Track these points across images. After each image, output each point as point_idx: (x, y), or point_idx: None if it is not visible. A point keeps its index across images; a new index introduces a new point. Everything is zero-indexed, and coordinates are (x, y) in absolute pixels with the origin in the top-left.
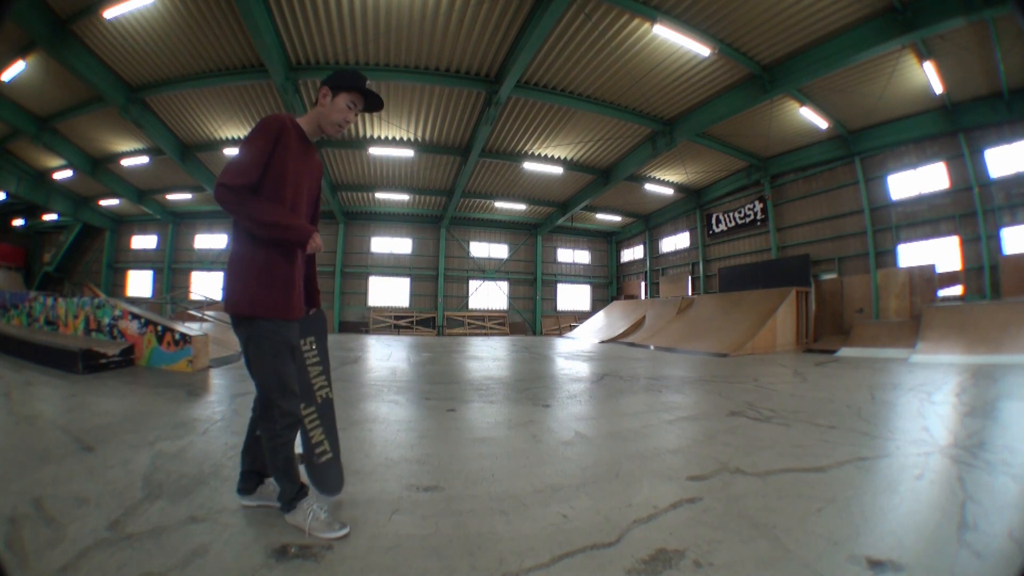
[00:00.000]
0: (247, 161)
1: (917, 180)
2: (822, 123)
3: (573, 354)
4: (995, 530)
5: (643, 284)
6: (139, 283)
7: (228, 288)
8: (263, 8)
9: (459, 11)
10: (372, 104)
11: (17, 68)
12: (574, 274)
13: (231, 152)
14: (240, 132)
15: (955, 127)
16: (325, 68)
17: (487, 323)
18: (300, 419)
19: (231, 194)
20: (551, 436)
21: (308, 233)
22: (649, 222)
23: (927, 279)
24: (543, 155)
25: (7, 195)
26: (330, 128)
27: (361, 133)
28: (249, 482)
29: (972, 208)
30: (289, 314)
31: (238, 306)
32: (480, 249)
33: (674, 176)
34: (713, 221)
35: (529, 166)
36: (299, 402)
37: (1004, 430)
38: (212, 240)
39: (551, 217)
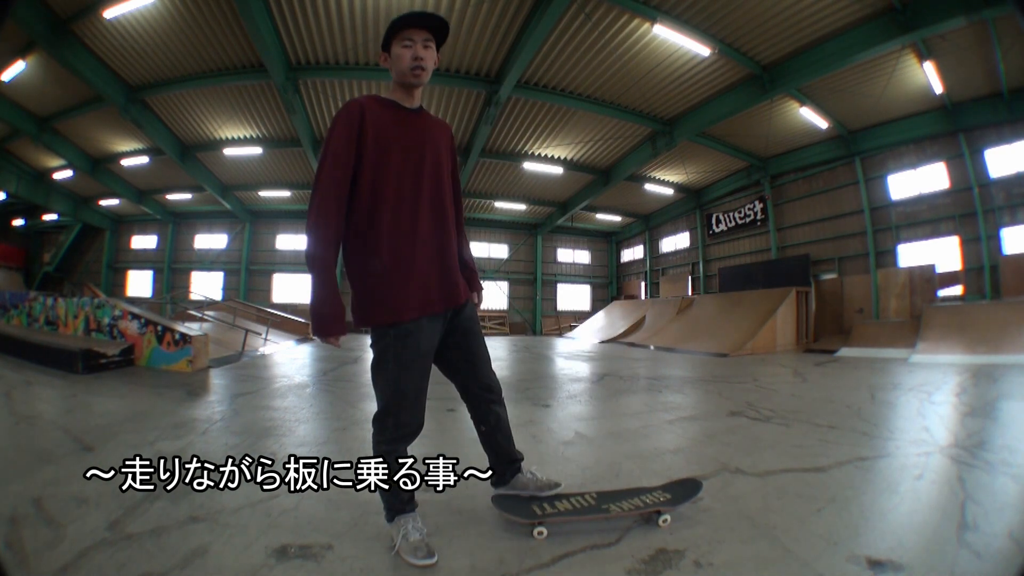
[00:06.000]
0: None
1: (917, 180)
2: (822, 123)
3: (573, 354)
4: (995, 530)
5: (643, 284)
6: (139, 283)
7: None
8: (263, 8)
9: (459, 11)
10: (421, 22)
11: (17, 68)
12: (574, 274)
13: (231, 152)
14: (240, 132)
15: (955, 127)
16: (325, 68)
17: (487, 323)
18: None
19: None
20: (551, 436)
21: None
22: (649, 222)
23: (927, 279)
24: (543, 155)
25: (7, 195)
26: (407, 77)
27: None
28: (498, 474)
29: (972, 208)
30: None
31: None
32: (480, 249)
33: (674, 176)
34: (713, 221)
35: (529, 166)
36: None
37: (1004, 430)
38: (212, 240)
39: (551, 217)
